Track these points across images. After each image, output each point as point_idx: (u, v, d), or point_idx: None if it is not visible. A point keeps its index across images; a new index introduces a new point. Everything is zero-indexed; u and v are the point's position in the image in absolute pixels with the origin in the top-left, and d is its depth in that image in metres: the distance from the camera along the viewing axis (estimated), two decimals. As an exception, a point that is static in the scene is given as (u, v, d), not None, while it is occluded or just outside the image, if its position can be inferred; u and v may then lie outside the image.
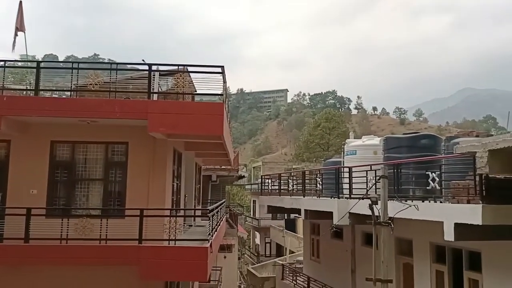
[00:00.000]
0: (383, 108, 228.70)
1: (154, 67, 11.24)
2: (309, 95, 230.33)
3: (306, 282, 19.01)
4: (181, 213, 12.88)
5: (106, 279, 10.88)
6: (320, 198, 15.23)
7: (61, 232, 10.18)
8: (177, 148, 13.52)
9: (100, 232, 10.19)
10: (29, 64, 15.15)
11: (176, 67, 11.09)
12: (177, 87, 10.99)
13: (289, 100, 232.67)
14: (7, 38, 13.46)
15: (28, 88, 12.26)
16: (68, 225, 10.23)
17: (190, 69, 11.23)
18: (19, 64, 14.57)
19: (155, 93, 11.36)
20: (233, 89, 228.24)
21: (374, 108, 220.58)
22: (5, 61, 11.31)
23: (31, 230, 10.02)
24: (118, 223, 10.33)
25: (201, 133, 11.24)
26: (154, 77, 11.27)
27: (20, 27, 13.13)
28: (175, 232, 10.31)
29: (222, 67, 10.90)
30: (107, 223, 10.34)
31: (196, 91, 12.20)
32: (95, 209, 11.19)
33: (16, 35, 13.07)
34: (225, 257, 26.93)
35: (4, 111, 10.25)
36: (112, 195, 11.61)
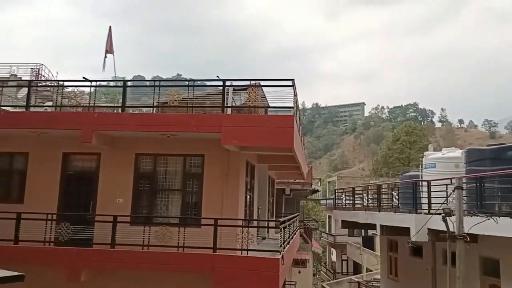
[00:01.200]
0: (471, 120, 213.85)
1: (228, 83, 11.73)
2: (388, 108, 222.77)
3: (383, 301, 18.25)
4: (254, 224, 13.13)
5: (181, 285, 11.39)
6: (397, 213, 14.67)
7: (143, 239, 10.87)
8: (250, 160, 13.87)
9: (178, 240, 10.72)
10: (117, 83, 16.54)
11: (249, 82, 11.47)
12: (249, 101, 11.36)
13: (366, 114, 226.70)
14: (99, 61, 14.85)
15: (116, 105, 13.36)
16: (149, 232, 10.91)
17: (262, 83, 11.55)
18: (109, 83, 15.98)
19: (229, 107, 11.83)
20: (308, 104, 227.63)
21: (460, 121, 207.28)
22: (96, 81, 12.50)
23: (117, 236, 10.84)
24: (194, 232, 10.83)
25: (272, 145, 11.47)
26: (227, 92, 11.76)
27: (109, 49, 14.44)
28: (248, 242, 10.54)
29: (293, 80, 11.09)
30: (184, 231, 10.87)
31: (268, 105, 12.50)
32: (174, 217, 11.81)
33: (105, 57, 14.39)
34: (299, 272, 26.74)
35: (95, 126, 11.31)
36: (189, 204, 12.20)
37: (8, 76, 22.56)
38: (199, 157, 12.30)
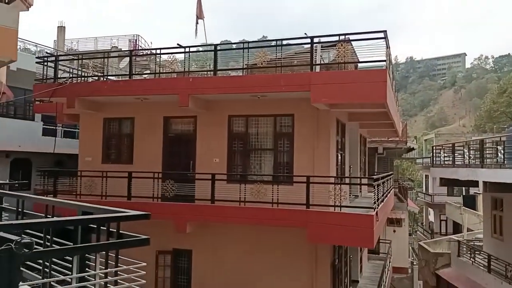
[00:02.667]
0: None
1: (315, 40, 11.55)
2: (492, 58, 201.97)
3: (486, 260, 17.37)
4: (346, 182, 13.13)
5: (276, 238, 11.95)
6: (503, 168, 13.64)
7: (239, 195, 11.49)
8: (340, 119, 13.72)
9: (272, 197, 11.17)
10: (207, 48, 17.12)
11: (337, 38, 11.18)
12: (338, 57, 11.13)
13: (467, 66, 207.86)
14: (190, 28, 15.46)
15: (208, 69, 13.93)
16: (245, 189, 11.49)
17: (351, 38, 11.20)
18: (200, 49, 16.61)
19: (317, 65, 11.70)
20: (401, 58, 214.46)
21: None
22: (189, 47, 13.09)
23: (216, 193, 11.59)
24: (287, 189, 11.17)
25: (363, 102, 11.21)
26: (316, 50, 11.61)
27: (199, 15, 14.93)
28: (340, 199, 10.64)
29: (385, 32, 10.59)
30: (277, 188, 11.26)
31: (359, 60, 12.12)
32: (267, 175, 12.25)
33: (196, 23, 14.92)
34: (394, 231, 26.32)
35: (191, 91, 11.96)
36: (281, 163, 12.54)
37: (110, 48, 24.40)
38: (289, 117, 12.46)
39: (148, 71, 15.96)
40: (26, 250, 2.03)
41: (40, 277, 3.17)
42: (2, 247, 2.00)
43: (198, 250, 12.85)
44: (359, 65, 12.59)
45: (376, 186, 11.09)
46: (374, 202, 10.67)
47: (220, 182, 11.81)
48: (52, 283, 3.23)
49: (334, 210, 10.59)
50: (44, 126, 19.53)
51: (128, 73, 13.74)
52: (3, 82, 13.38)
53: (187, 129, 13.63)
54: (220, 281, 12.37)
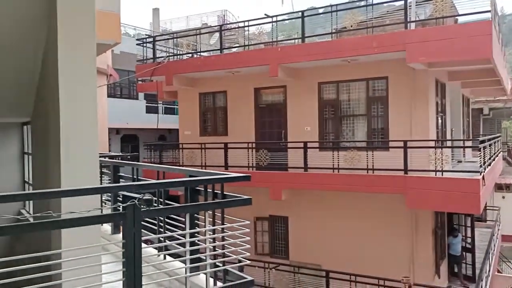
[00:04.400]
0: None
1: (409, -5, 10.81)
2: None
3: None
4: (448, 146, 12.38)
5: (372, 205, 11.76)
6: None
7: (333, 162, 11.44)
8: (440, 78, 12.83)
9: (367, 163, 10.95)
10: (294, 16, 16.93)
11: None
12: (436, 12, 10.34)
13: None
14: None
15: (296, 37, 13.82)
16: (338, 156, 11.40)
17: (450, -11, 10.30)
18: (287, 18, 16.48)
19: (412, 22, 10.99)
20: (508, 9, 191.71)
21: None
22: (276, 16, 13.07)
23: (308, 161, 11.68)
24: (382, 155, 10.86)
25: (465, 58, 10.35)
26: (410, 6, 10.89)
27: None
28: (442, 164, 10.09)
29: (489, -22, 9.57)
30: (372, 155, 11.00)
31: (458, 14, 11.15)
32: (360, 141, 12.00)
33: (282, -8, 14.76)
34: (503, 197, 24.36)
35: (279, 60, 12.01)
36: (375, 129, 12.17)
37: (201, 25, 25.25)
38: (383, 79, 11.96)
39: (237, 44, 16.27)
40: (147, 206, 2.30)
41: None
42: (128, 203, 2.29)
43: (294, 216, 13.15)
44: (459, 19, 11.58)
45: (482, 149, 10.31)
46: (480, 166, 9.95)
47: (312, 150, 11.85)
48: (162, 239, 3.59)
49: (436, 175, 10.09)
50: (147, 104, 21.11)
51: (219, 48, 14.17)
52: (110, 65, 14.64)
53: (278, 99, 13.77)
54: (318, 247, 12.59)
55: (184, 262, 3.85)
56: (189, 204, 3.14)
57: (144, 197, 2.27)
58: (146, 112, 20.97)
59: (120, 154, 8.60)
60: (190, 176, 3.39)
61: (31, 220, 4.01)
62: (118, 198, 4.41)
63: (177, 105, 18.48)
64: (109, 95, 19.75)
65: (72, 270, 2.60)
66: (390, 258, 11.64)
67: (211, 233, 3.04)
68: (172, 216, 3.82)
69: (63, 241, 3.12)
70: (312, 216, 12.80)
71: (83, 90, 3.46)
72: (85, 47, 3.53)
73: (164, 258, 3.91)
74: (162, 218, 3.87)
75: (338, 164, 11.33)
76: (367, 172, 10.92)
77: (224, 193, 3.21)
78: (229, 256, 3.13)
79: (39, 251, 2.50)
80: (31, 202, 6.26)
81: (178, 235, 3.47)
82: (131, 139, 21.30)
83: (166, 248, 3.74)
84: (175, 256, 3.86)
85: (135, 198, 2.31)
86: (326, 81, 12.78)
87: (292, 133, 13.16)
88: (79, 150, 3.37)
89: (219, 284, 3.06)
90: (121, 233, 4.96)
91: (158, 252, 3.87)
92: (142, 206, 2.27)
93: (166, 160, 14.16)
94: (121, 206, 2.41)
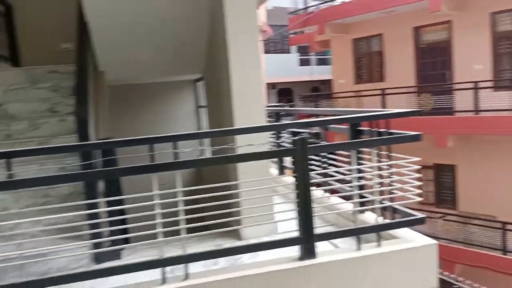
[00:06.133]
0: None
1: None
2: None
3: None
4: None
5: None
6: None
7: (510, 103, 10.06)
8: None
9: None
10: None
11: None
12: None
13: None
14: None
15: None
16: (517, 96, 9.97)
17: None
18: None
19: None
20: None
21: None
22: None
23: (479, 103, 10.47)
24: None
25: None
26: None
27: None
28: None
29: None
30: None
31: None
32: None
33: None
34: None
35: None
36: None
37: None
38: None
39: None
40: (317, 139, 2.42)
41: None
42: (298, 136, 2.44)
43: (464, 164, 12.09)
44: None
45: None
46: None
47: (484, 91, 10.57)
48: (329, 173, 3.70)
49: None
50: (300, 57, 21.39)
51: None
52: (264, 21, 15.14)
53: (441, 37, 12.48)
54: (492, 197, 11.43)
55: (346, 199, 3.95)
56: (355, 140, 3.17)
57: (314, 131, 2.38)
58: (299, 65, 21.29)
59: (281, 104, 9.07)
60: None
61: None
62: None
63: (329, 55, 18.29)
64: (264, 51, 20.58)
65: (250, 201, 2.91)
66: None
67: (378, 170, 3.02)
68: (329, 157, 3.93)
69: (239, 177, 3.48)
70: (484, 164, 11.58)
71: (249, 45, 3.69)
72: (247, 2, 3.73)
73: (329, 197, 4.06)
74: (320, 159, 4.00)
75: (517, 105, 9.92)
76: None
77: (390, 131, 3.14)
78: (396, 194, 3.10)
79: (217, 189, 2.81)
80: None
81: (345, 171, 3.54)
82: (286, 93, 22.01)
83: (330, 186, 3.87)
84: (337, 193, 3.98)
85: (302, 133, 2.43)
86: (500, 10, 11.06)
87: (459, 73, 11.89)
88: (249, 102, 3.65)
89: (386, 221, 3.06)
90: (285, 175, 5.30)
91: (322, 190, 4.02)
92: (311, 139, 2.38)
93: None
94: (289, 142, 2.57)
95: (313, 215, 2.67)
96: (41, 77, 5.00)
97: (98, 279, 2.73)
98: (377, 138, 3.01)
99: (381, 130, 3.19)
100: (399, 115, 2.93)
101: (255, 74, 3.67)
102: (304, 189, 2.59)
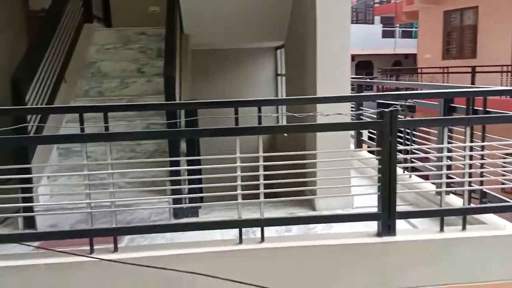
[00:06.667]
0: None
1: None
2: None
3: None
4: None
5: None
6: None
7: None
8: None
9: None
10: None
11: None
12: None
13: None
14: None
15: None
16: None
17: None
18: None
19: None
20: None
21: None
22: None
23: None
24: None
25: None
26: None
27: None
28: None
29: None
30: None
31: None
32: None
33: None
34: None
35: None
36: None
37: None
38: None
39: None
40: (409, 112, 2.29)
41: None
42: (391, 108, 2.32)
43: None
44: None
45: None
46: None
47: None
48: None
49: None
50: (383, 28, 20.36)
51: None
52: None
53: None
54: None
55: (425, 179, 3.76)
56: (448, 117, 2.97)
57: (407, 104, 2.25)
58: (382, 37, 20.30)
59: (362, 76, 8.75)
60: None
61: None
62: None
63: (416, 28, 17.21)
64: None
65: (327, 172, 2.85)
66: None
67: (470, 151, 2.82)
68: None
69: (318, 147, 3.43)
70: None
71: (337, 12, 3.51)
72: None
73: (410, 175, 3.90)
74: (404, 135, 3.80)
75: None
76: None
77: (487, 109, 2.90)
78: (488, 178, 2.89)
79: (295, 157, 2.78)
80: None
81: (432, 150, 3.35)
82: (365, 66, 21.19)
83: (412, 164, 3.69)
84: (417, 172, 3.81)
85: (395, 105, 2.31)
86: None
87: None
88: (334, 72, 3.52)
89: (475, 205, 2.88)
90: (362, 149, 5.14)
91: (401, 167, 3.84)
92: (404, 111, 2.26)
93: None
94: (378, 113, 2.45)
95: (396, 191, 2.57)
96: (132, 38, 5.21)
97: (177, 233, 2.88)
98: (476, 116, 2.79)
99: (477, 108, 2.96)
100: (502, 93, 2.68)
101: (344, 45, 3.52)
102: (389, 165, 2.48)
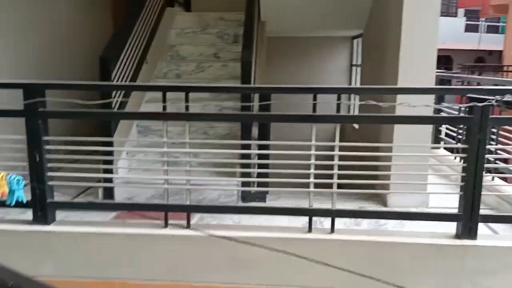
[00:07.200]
0: None
1: None
2: None
3: None
4: None
5: None
6: None
7: None
8: None
9: None
10: None
11: None
12: None
13: None
14: None
15: None
16: None
17: None
18: None
19: None
20: None
21: None
22: None
23: None
24: None
25: None
26: None
27: None
28: None
29: None
30: None
31: None
32: None
33: None
34: None
35: None
36: None
37: None
38: None
39: None
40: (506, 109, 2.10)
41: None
42: (483, 103, 2.15)
43: None
44: None
45: None
46: None
47: None
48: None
49: None
50: (467, 22, 19.08)
51: None
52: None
53: None
54: None
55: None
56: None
57: (504, 99, 2.07)
58: (465, 31, 19.04)
59: (444, 71, 8.31)
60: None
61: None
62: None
63: (503, 22, 15.93)
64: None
65: (403, 167, 2.73)
66: None
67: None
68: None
69: (395, 141, 3.28)
70: None
71: (425, 2, 3.31)
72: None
73: (493, 178, 3.63)
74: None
75: None
76: None
77: None
78: None
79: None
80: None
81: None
82: (444, 61, 20.03)
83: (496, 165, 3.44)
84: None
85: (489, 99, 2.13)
86: None
87: None
88: (418, 66, 3.32)
89: None
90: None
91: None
92: (501, 106, 2.09)
93: (485, 83, 12.73)
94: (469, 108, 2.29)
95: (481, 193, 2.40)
96: (210, 23, 5.31)
97: (245, 217, 2.91)
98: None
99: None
100: None
101: (430, 38, 3.31)
102: (476, 164, 2.32)
